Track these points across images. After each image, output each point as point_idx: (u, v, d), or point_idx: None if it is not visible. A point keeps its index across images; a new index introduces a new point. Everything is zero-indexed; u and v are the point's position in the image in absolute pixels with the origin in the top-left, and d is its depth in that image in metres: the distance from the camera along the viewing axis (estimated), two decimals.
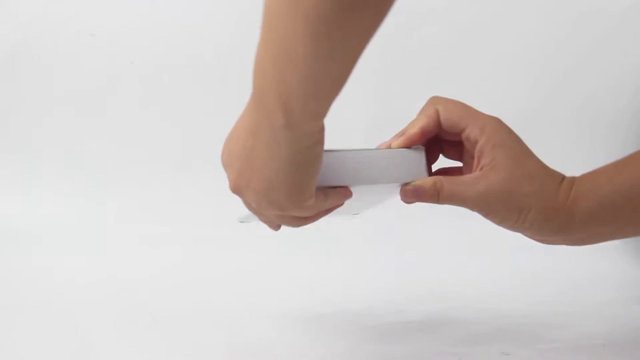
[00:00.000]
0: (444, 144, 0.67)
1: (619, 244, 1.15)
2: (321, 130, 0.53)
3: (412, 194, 0.62)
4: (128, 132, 1.20)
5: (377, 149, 0.64)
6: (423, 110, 0.65)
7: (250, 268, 1.02)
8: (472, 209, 0.62)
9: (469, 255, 1.05)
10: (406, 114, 1.20)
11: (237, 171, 0.57)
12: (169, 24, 1.19)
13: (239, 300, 0.90)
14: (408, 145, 0.64)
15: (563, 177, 0.63)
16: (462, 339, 0.77)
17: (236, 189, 0.59)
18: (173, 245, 1.10)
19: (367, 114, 1.17)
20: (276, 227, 0.65)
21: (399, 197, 0.64)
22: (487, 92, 1.19)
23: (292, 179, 0.54)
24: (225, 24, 1.19)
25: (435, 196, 0.62)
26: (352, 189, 0.62)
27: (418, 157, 0.65)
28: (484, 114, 0.65)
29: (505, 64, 1.19)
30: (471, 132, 0.63)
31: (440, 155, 0.68)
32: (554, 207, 0.62)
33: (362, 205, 0.71)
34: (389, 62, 1.17)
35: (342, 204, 0.62)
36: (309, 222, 0.62)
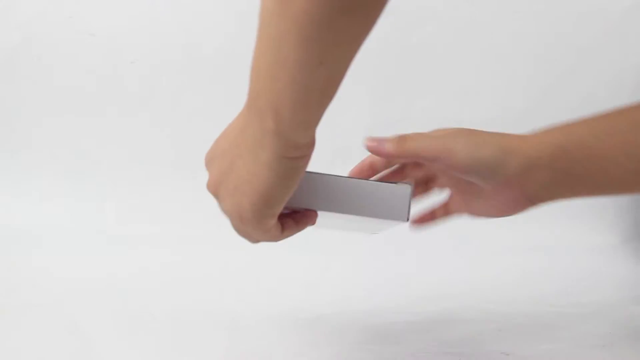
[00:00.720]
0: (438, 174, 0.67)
1: (619, 243, 1.15)
2: (309, 145, 0.51)
3: (374, 142, 0.62)
4: (128, 132, 1.20)
5: (360, 178, 0.62)
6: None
7: (250, 268, 1.02)
8: (433, 154, 0.61)
9: (469, 255, 1.05)
10: (405, 114, 1.21)
11: (217, 168, 0.56)
12: (169, 24, 1.19)
13: (238, 300, 0.90)
14: (360, 174, 0.64)
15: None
16: (462, 339, 0.77)
17: (211, 186, 0.58)
18: (173, 245, 1.10)
19: (367, 114, 1.17)
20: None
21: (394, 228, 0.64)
22: (487, 92, 1.19)
23: (264, 188, 0.52)
24: (225, 24, 1.19)
25: (397, 141, 0.62)
26: (336, 215, 0.60)
27: (402, 194, 0.61)
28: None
29: (505, 64, 1.19)
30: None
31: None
32: (514, 146, 0.62)
33: (368, 228, 0.69)
34: (387, 62, 1.17)
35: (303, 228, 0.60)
36: (260, 242, 0.60)
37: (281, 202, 0.54)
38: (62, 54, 1.19)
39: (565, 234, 1.10)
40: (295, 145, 0.50)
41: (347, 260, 1.06)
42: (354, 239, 1.09)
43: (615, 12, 1.17)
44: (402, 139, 0.62)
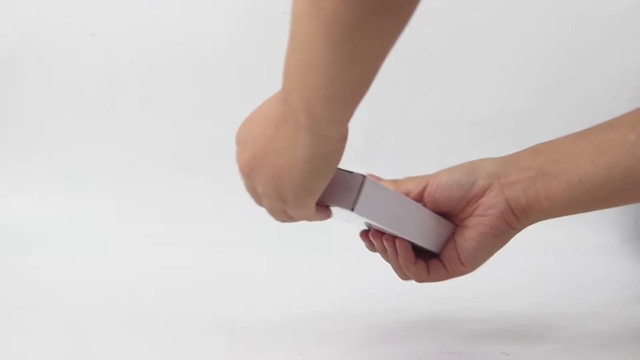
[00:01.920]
0: None
1: (619, 243, 1.15)
2: (343, 139, 0.53)
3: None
4: (128, 132, 1.20)
5: (417, 203, 0.67)
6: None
7: (250, 268, 1.02)
8: (424, 183, 0.68)
9: None
10: (405, 114, 1.21)
11: (250, 153, 0.58)
12: (169, 24, 1.19)
13: (238, 300, 0.90)
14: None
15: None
16: (462, 339, 0.77)
17: (244, 169, 0.60)
18: (173, 245, 1.10)
19: (367, 114, 1.17)
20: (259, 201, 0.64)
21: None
22: (487, 92, 1.19)
23: (302, 180, 0.54)
24: (225, 24, 1.19)
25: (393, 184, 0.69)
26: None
27: (446, 230, 0.68)
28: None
29: (505, 64, 1.19)
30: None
31: None
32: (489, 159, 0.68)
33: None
34: (388, 62, 1.17)
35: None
36: (294, 221, 0.63)
37: (320, 189, 0.56)
38: (62, 54, 1.19)
39: (565, 234, 1.10)
40: (328, 140, 0.51)
41: (348, 260, 1.06)
42: (354, 239, 1.09)
43: (615, 13, 1.17)
44: (397, 182, 0.69)
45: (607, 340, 0.77)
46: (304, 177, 0.54)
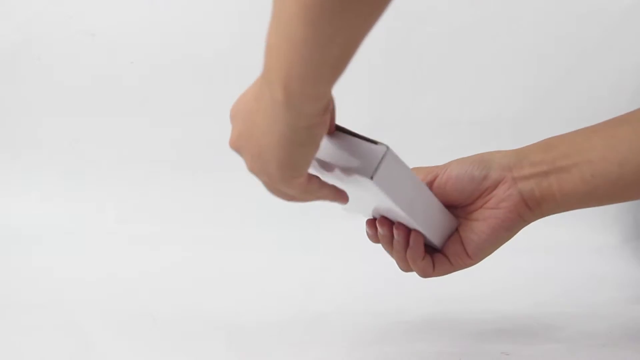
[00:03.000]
0: None
1: (619, 243, 1.15)
2: (322, 112, 0.52)
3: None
4: (128, 132, 1.20)
5: (430, 191, 0.67)
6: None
7: (250, 268, 1.02)
8: (433, 174, 0.68)
9: None
10: (405, 114, 1.21)
11: (238, 131, 0.58)
12: (169, 24, 1.19)
13: (238, 300, 0.90)
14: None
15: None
16: (462, 339, 0.77)
17: (234, 146, 0.60)
18: (173, 245, 1.10)
19: (367, 114, 1.17)
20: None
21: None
22: (487, 92, 1.19)
23: (284, 155, 0.53)
24: (225, 24, 1.19)
25: None
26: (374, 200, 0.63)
27: (452, 224, 0.68)
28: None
29: (505, 64, 1.19)
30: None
31: None
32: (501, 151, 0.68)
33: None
34: (388, 61, 1.17)
35: (332, 200, 0.62)
36: (296, 201, 0.61)
37: (305, 164, 0.55)
38: (62, 54, 1.19)
39: (565, 234, 1.10)
40: (306, 115, 0.51)
41: (348, 260, 1.06)
42: (354, 239, 1.09)
43: (615, 12, 1.17)
44: None
45: (607, 340, 0.77)
46: (284, 151, 0.53)
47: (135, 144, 1.20)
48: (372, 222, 0.70)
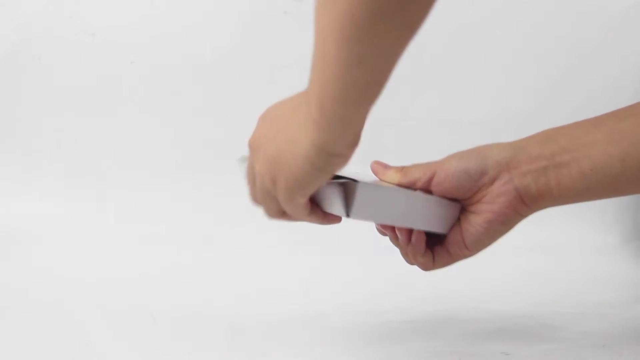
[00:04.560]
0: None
1: (619, 243, 1.15)
2: (349, 146, 0.52)
3: (379, 165, 0.69)
4: (128, 132, 1.20)
5: (415, 191, 0.66)
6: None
7: (250, 268, 1.02)
8: (431, 171, 0.67)
9: None
10: (405, 114, 1.21)
11: (264, 131, 0.59)
12: (169, 24, 1.19)
13: (238, 300, 0.90)
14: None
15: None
16: (462, 339, 0.77)
17: (254, 143, 0.60)
18: (173, 245, 1.10)
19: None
20: (255, 200, 0.64)
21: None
22: (487, 92, 1.19)
23: (298, 172, 0.54)
24: (225, 24, 1.19)
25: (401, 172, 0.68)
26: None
27: (453, 212, 0.68)
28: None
29: (505, 64, 1.19)
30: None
31: None
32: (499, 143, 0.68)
33: None
34: None
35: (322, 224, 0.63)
36: (284, 219, 0.63)
37: (312, 188, 0.56)
38: (62, 54, 1.19)
39: (565, 234, 1.10)
40: (334, 141, 0.51)
41: (348, 260, 1.06)
42: (354, 239, 1.09)
43: (615, 12, 1.17)
44: (405, 169, 0.68)
45: (607, 340, 0.77)
46: (301, 169, 0.54)
47: (135, 144, 1.20)
48: (379, 227, 0.71)
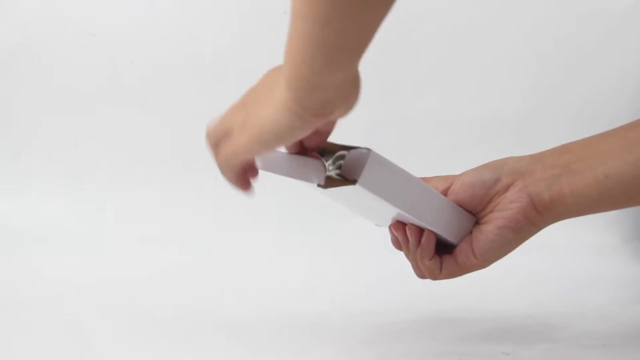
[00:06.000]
0: None
1: (619, 243, 1.15)
2: (315, 114, 0.51)
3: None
4: (128, 132, 1.20)
5: (431, 188, 0.67)
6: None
7: (250, 268, 1.02)
8: (448, 181, 0.69)
9: None
10: (405, 114, 1.21)
11: (249, 91, 0.59)
12: (169, 24, 1.19)
13: (239, 300, 0.90)
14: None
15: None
16: (462, 339, 0.77)
17: (230, 107, 0.60)
18: (173, 245, 1.10)
19: (367, 114, 1.17)
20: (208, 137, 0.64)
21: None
22: (487, 92, 1.19)
23: (263, 123, 0.54)
24: (225, 24, 1.19)
25: None
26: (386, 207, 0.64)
27: (466, 222, 0.68)
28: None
29: (505, 64, 1.19)
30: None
31: None
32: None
33: (383, 220, 0.71)
34: (388, 61, 1.17)
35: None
36: (220, 166, 0.63)
37: (271, 145, 0.55)
38: (62, 54, 1.19)
39: (565, 234, 1.09)
40: (300, 102, 0.51)
41: (347, 260, 1.06)
42: (354, 239, 1.09)
43: (615, 13, 1.17)
44: (425, 180, 0.69)
45: (607, 340, 0.77)
46: (269, 120, 0.53)
47: (136, 144, 1.20)
48: (391, 227, 0.71)
